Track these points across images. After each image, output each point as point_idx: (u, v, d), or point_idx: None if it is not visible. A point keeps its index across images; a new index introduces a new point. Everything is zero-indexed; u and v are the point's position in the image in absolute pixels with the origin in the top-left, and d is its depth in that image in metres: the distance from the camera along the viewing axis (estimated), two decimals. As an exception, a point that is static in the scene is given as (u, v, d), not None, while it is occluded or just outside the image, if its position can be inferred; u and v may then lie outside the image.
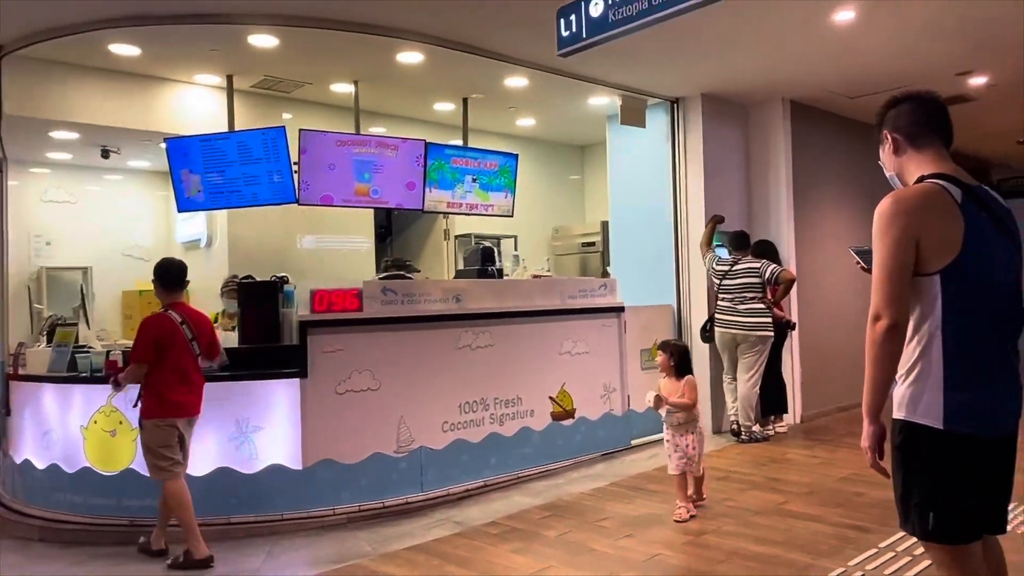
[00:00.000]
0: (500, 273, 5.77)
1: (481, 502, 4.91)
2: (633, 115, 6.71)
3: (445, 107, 6.96)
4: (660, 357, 4.62)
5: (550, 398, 5.76)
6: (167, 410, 3.97)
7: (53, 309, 6.37)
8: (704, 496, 4.57)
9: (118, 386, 4.07)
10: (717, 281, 6.42)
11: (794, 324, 6.72)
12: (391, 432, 4.87)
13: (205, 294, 6.37)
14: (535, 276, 5.88)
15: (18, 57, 5.16)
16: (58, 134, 5.80)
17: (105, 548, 4.23)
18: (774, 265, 6.30)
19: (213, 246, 6.66)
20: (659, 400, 4.40)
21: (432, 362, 5.08)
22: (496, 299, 5.47)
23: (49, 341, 5.35)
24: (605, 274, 7.70)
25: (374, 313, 4.85)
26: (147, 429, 3.96)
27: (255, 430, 4.55)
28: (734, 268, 6.34)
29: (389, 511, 4.71)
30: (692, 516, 4.29)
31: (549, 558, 3.71)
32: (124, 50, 5.21)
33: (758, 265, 6.28)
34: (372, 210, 7.09)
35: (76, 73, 5.50)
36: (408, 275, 5.17)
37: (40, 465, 4.86)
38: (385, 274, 5.41)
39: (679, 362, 4.54)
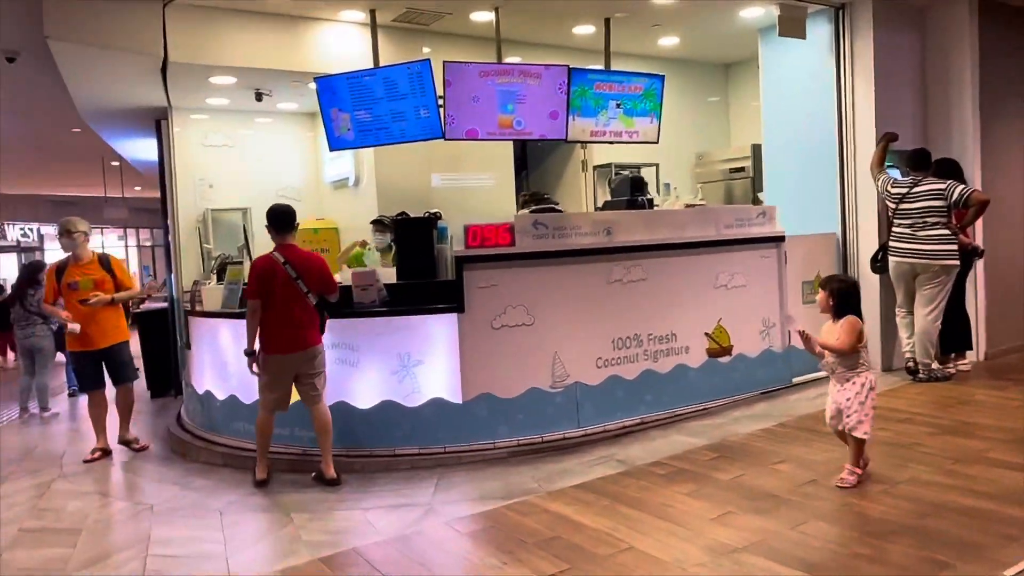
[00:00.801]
0: (651, 203, 5.49)
1: (640, 440, 4.80)
2: (792, 25, 6.08)
3: (584, 30, 6.60)
4: (820, 295, 3.96)
5: (706, 334, 5.50)
6: (268, 346, 4.31)
7: (220, 248, 6.76)
8: (862, 466, 3.70)
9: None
10: (892, 205, 5.82)
11: (982, 251, 6.01)
12: (546, 367, 4.82)
13: (355, 231, 6.54)
14: (688, 206, 5.55)
15: (179, 6, 5.32)
16: (217, 79, 6.00)
17: (282, 475, 4.49)
18: (963, 185, 5.61)
19: (360, 185, 6.78)
20: (807, 338, 3.82)
21: (584, 297, 4.95)
22: (647, 231, 5.22)
23: (219, 279, 5.67)
24: (756, 201, 7.21)
25: (526, 248, 4.75)
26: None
27: (416, 364, 4.63)
28: (913, 190, 5.71)
29: (548, 446, 4.70)
30: (854, 484, 3.62)
31: (727, 503, 3.55)
32: (276, -11, 5.26)
33: (943, 186, 5.61)
34: (511, 144, 6.95)
35: (232, 18, 5.62)
36: (557, 208, 5.00)
37: (220, 396, 5.21)
38: (526, 208, 5.26)
39: (839, 302, 3.78)
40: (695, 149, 8.04)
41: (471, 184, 6.61)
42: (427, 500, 3.94)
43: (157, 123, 6.92)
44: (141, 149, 8.87)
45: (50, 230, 24.40)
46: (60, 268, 5.35)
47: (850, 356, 3.67)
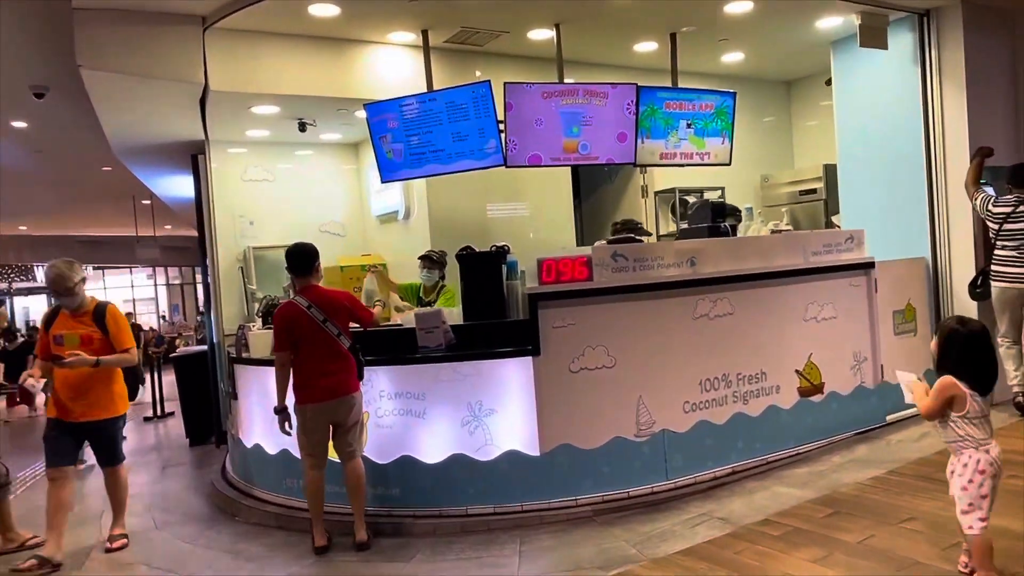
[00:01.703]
0: (733, 230, 5.04)
1: (737, 492, 4.29)
2: (873, 35, 5.66)
3: (646, 47, 6.23)
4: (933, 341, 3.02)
5: (796, 371, 5.00)
6: (300, 396, 4.03)
7: (264, 288, 6.40)
8: (972, 569, 2.81)
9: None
10: (995, 226, 5.31)
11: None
12: (630, 414, 4.35)
13: (404, 267, 6.16)
14: (775, 231, 5.08)
15: (219, 30, 5.02)
16: (259, 109, 5.69)
17: (343, 539, 4.03)
18: (1075, 203, 5.10)
19: (411, 218, 6.41)
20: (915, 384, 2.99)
21: (668, 335, 4.49)
22: (734, 260, 4.76)
23: (266, 322, 5.28)
24: (829, 225, 6.75)
25: (605, 282, 4.31)
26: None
27: (488, 413, 4.18)
28: (1019, 209, 5.20)
29: (635, 502, 4.21)
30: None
31: (865, 571, 3.03)
32: (324, 10, 4.92)
33: (1053, 204, 5.11)
34: (570, 171, 6.57)
35: (275, 42, 5.32)
36: (638, 238, 4.58)
37: (271, 450, 4.79)
38: (612, 238, 4.83)
39: (942, 351, 2.89)
40: (759, 171, 7.60)
41: (529, 215, 6.21)
42: (513, 572, 3.46)
43: (194, 158, 6.63)
44: (175, 186, 8.62)
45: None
46: (50, 317, 4.37)
47: (944, 425, 2.85)
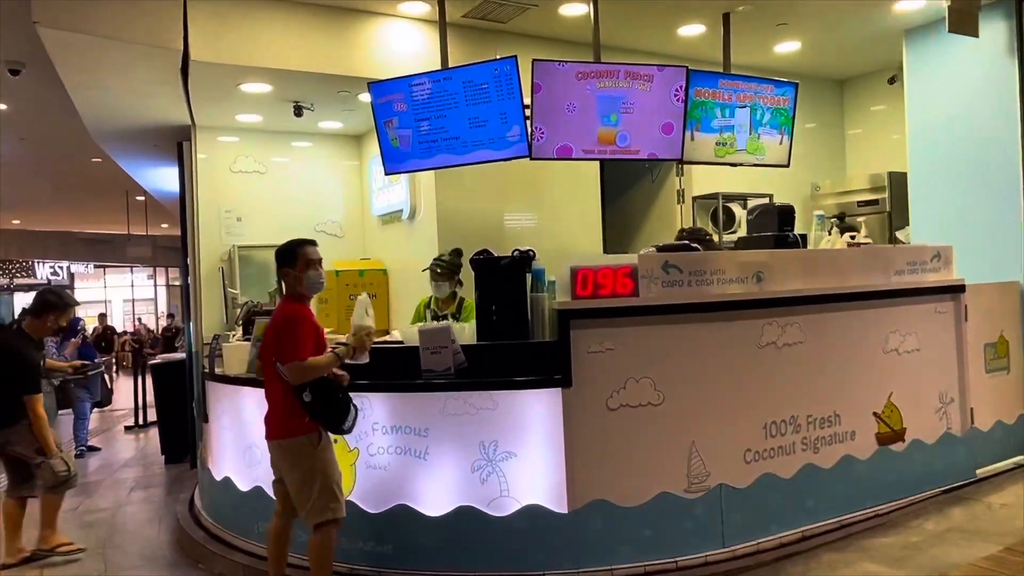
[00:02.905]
0: (803, 240, 4.22)
1: (814, 568, 3.45)
2: (964, 20, 4.84)
3: (693, 30, 5.45)
4: None
5: (875, 415, 4.16)
6: None
7: (247, 293, 5.62)
8: None
9: None
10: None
11: None
12: (680, 463, 3.52)
13: (408, 274, 5.37)
14: (851, 243, 4.26)
15: (203, -7, 4.28)
16: (249, 87, 4.92)
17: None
18: None
19: (417, 218, 5.62)
20: None
21: (729, 366, 3.67)
22: (806, 277, 3.93)
23: (246, 332, 4.51)
24: (894, 240, 5.91)
25: (653, 299, 3.50)
26: None
27: (505, 457, 3.36)
28: None
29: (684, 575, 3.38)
30: None
31: None
32: (322, -31, 4.18)
33: None
34: (597, 167, 5.77)
35: (268, 8, 4.58)
36: (694, 245, 3.77)
37: (243, 487, 3.99)
38: (662, 245, 4.01)
39: None
40: (807, 179, 6.77)
41: (551, 218, 5.41)
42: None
43: (179, 146, 5.88)
44: (164, 179, 7.89)
45: (80, 268, 23.88)
46: None
47: None
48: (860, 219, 5.51)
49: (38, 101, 6.43)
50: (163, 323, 22.11)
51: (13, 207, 13.69)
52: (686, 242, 3.79)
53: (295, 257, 3.13)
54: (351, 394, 3.15)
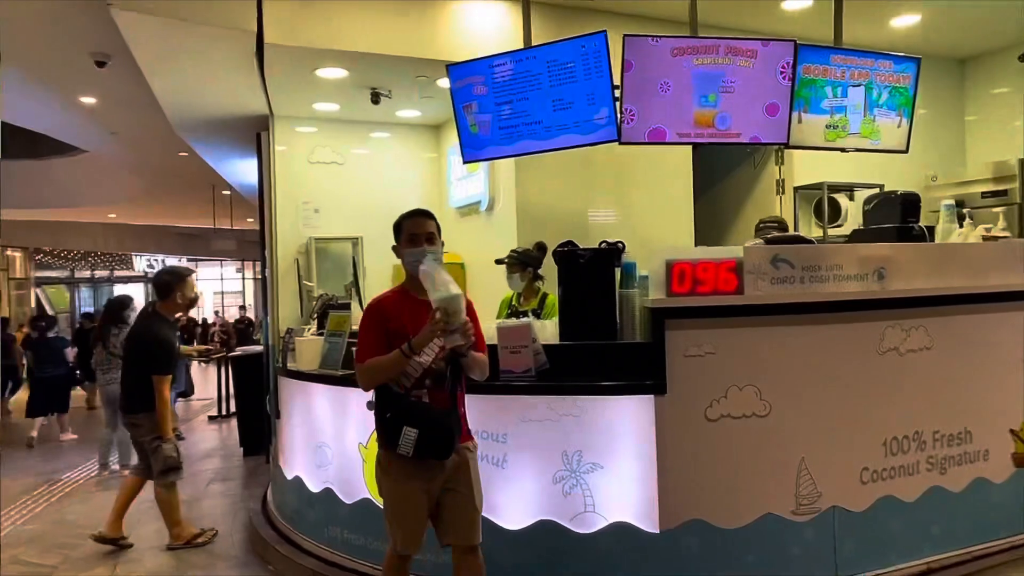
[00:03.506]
0: (930, 233, 3.74)
1: (944, 608, 3.01)
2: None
3: (799, 4, 4.99)
4: None
5: (1011, 432, 3.65)
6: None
7: (323, 286, 5.52)
8: None
9: None
10: None
11: None
12: (788, 482, 3.14)
13: (486, 268, 5.12)
14: (987, 237, 3.75)
15: (279, -25, 4.14)
16: (325, 72, 4.79)
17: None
18: None
19: (496, 209, 5.38)
20: None
21: (845, 374, 3.26)
22: (933, 275, 3.46)
23: (320, 326, 4.38)
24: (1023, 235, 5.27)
25: (760, 297, 3.12)
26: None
27: (590, 469, 3.07)
28: None
29: (793, 609, 3.00)
30: None
31: None
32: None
33: None
34: (691, 154, 5.38)
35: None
36: (808, 238, 3.36)
37: (313, 487, 3.85)
38: (770, 237, 3.63)
39: None
40: (921, 167, 6.15)
41: (639, 210, 5.06)
42: None
43: (258, 137, 5.83)
44: (245, 172, 7.95)
45: (173, 261, 24.94)
46: None
47: None
48: (997, 210, 4.91)
49: (125, 94, 6.54)
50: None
51: (109, 201, 14.29)
52: (798, 234, 3.38)
53: (398, 230, 2.70)
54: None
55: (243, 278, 26.67)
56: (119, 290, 24.03)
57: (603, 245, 3.39)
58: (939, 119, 6.47)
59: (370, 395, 2.66)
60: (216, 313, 23.72)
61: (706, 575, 3.04)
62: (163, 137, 7.78)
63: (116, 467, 6.48)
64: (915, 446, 3.38)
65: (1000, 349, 3.62)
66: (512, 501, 3.16)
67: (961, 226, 3.76)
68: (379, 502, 3.42)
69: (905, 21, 5.43)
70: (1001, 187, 5.60)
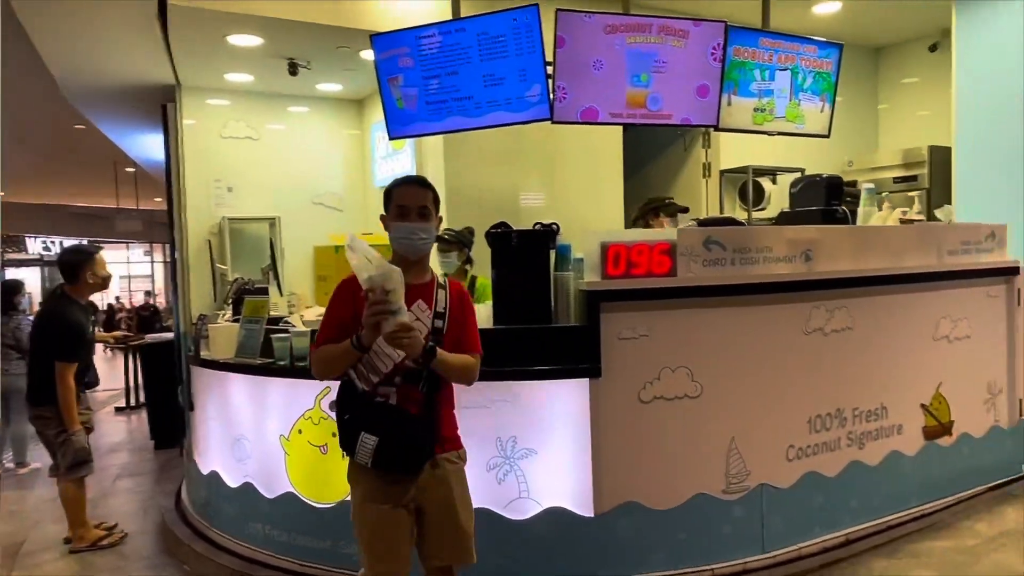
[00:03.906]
0: (852, 216, 3.84)
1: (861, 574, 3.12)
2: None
3: (726, -14, 5.01)
4: None
5: (922, 406, 3.82)
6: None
7: (238, 270, 5.23)
8: None
9: None
10: None
11: None
12: (719, 462, 3.17)
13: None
14: (904, 220, 3.88)
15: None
16: (238, 39, 4.46)
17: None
18: None
19: (423, 188, 5.21)
20: None
21: (773, 354, 3.31)
22: (856, 257, 3.56)
23: (236, 312, 4.13)
24: (932, 219, 5.52)
25: (693, 279, 3.12)
26: None
27: (525, 455, 3.01)
28: None
29: (723, 586, 3.04)
30: None
31: None
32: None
33: None
34: (620, 135, 5.36)
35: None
36: (738, 220, 3.38)
37: (231, 482, 3.63)
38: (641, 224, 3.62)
39: None
40: (839, 153, 6.36)
41: (569, 191, 5.01)
42: None
43: (163, 108, 5.44)
44: (151, 147, 7.43)
45: (73, 244, 23.40)
46: None
47: None
48: (912, 194, 5.11)
49: (10, 58, 5.96)
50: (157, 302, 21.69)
51: (-4, 178, 13.20)
52: (729, 216, 3.40)
53: (387, 199, 2.30)
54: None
55: (151, 261, 25.33)
56: (11, 274, 22.39)
57: (537, 227, 3.30)
58: (854, 106, 6.69)
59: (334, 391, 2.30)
60: (117, 299, 22.43)
61: (639, 557, 3.03)
62: (55, 107, 7.18)
63: (11, 465, 5.99)
64: (836, 423, 3.48)
65: (913, 328, 3.77)
66: (444, 490, 3.06)
67: (880, 209, 3.87)
68: (303, 495, 3.30)
69: (826, 8, 5.56)
70: (911, 172, 5.85)
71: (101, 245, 4.38)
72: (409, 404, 2.17)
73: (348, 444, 2.16)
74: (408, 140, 5.06)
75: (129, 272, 24.98)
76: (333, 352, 2.17)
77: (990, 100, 5.08)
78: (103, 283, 4.20)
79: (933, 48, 5.98)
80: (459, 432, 2.38)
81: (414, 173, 5.30)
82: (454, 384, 2.33)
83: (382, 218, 2.32)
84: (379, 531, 2.19)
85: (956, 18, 5.20)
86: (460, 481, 2.30)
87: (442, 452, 2.26)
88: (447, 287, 2.32)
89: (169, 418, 6.06)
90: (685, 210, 4.49)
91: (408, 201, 2.24)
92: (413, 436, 2.15)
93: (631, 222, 4.64)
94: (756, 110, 4.28)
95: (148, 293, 18.06)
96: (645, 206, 4.45)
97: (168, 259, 24.08)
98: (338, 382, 2.26)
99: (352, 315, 2.15)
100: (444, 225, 4.44)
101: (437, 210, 2.32)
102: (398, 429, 2.13)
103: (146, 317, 13.01)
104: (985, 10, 5.01)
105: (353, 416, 2.17)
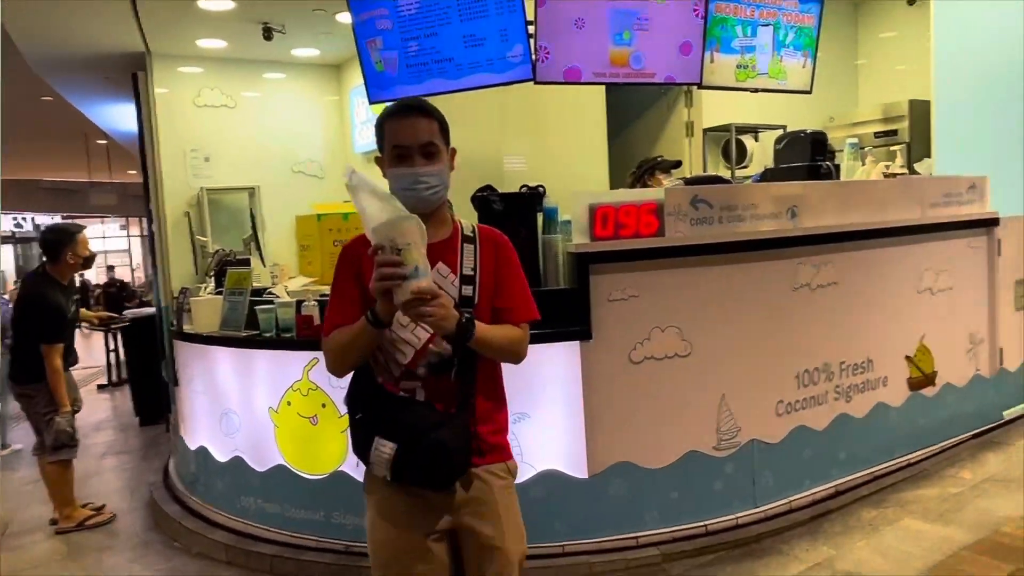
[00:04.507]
0: (836, 171, 3.83)
1: (851, 525, 3.18)
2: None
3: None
4: None
5: (907, 358, 3.87)
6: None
7: (219, 241, 5.14)
8: None
9: None
10: None
11: None
12: (710, 419, 3.19)
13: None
14: (887, 174, 3.88)
15: None
16: (209, 3, 4.30)
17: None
18: None
19: (404, 154, 5.12)
20: None
21: (761, 311, 3.32)
22: (841, 212, 3.56)
23: (218, 284, 4.07)
24: (913, 173, 5.55)
25: (681, 238, 3.11)
26: None
27: (518, 419, 3.00)
28: None
29: (717, 541, 3.10)
30: None
31: None
32: None
33: None
34: (604, 94, 5.27)
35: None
36: (724, 178, 3.37)
37: (221, 457, 3.61)
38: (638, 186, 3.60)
39: None
40: (820, 109, 6.32)
41: (555, 153, 4.94)
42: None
43: (134, 77, 5.28)
44: (122, 118, 7.23)
45: (46, 219, 22.90)
46: None
47: None
48: (894, 148, 5.11)
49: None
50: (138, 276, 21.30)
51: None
52: (715, 174, 3.37)
53: (379, 136, 1.77)
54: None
55: (128, 235, 24.91)
56: (-17, 251, 21.90)
57: (523, 190, 3.27)
58: (833, 62, 6.63)
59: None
60: (82, 275, 21.98)
61: (633, 516, 3.07)
62: (20, 78, 6.94)
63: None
64: (824, 377, 3.51)
65: (897, 281, 3.80)
66: (438, 456, 3.06)
67: (864, 164, 3.87)
68: (294, 467, 3.29)
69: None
70: (891, 127, 5.84)
71: (83, 225, 4.27)
72: (439, 399, 1.69)
73: (361, 449, 1.69)
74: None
75: (105, 247, 24.57)
76: (347, 337, 1.66)
77: (968, 53, 5.06)
78: (85, 263, 4.13)
79: (911, 2, 5.93)
80: (509, 437, 1.88)
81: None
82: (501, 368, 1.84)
83: (378, 160, 1.79)
84: (395, 563, 1.71)
85: (938, -33, 5.15)
86: (508, 503, 1.79)
87: (483, 463, 1.74)
88: (476, 238, 1.77)
89: (153, 394, 6.01)
90: (679, 164, 4.47)
91: (406, 139, 1.68)
92: (441, 442, 1.62)
93: (629, 187, 4.61)
94: (739, 67, 4.24)
95: (110, 268, 17.51)
96: (639, 169, 4.42)
97: (145, 233, 23.75)
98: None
99: (360, 290, 1.70)
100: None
101: (447, 141, 1.76)
102: (421, 433, 1.62)
103: (112, 294, 12.59)
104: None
105: (367, 416, 1.69)
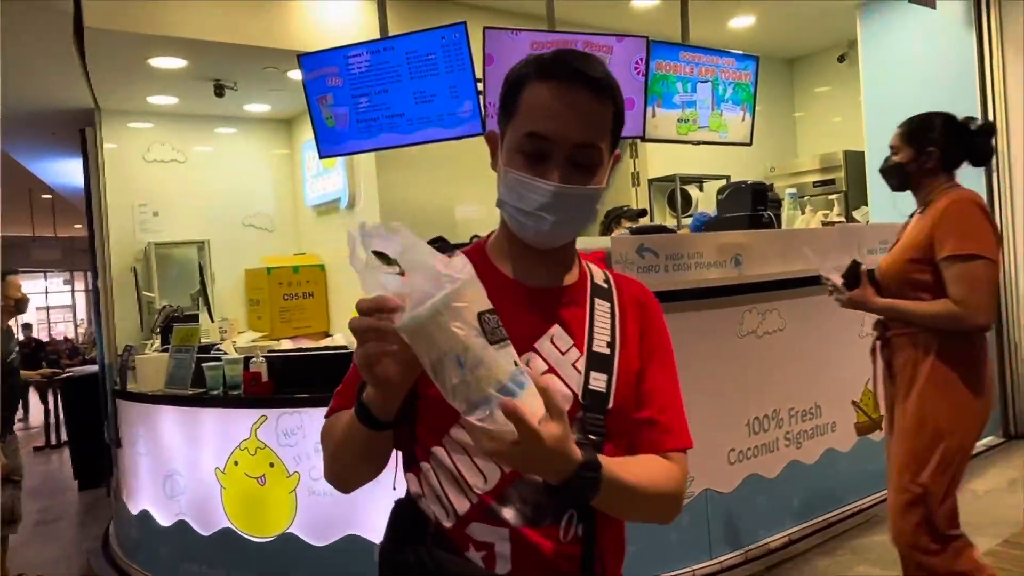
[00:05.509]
0: (777, 221, 3.97)
1: (807, 574, 3.19)
2: (923, -9, 4.70)
3: (647, 2, 5.14)
4: None
5: (853, 403, 3.96)
6: None
7: (167, 297, 5.03)
8: None
9: None
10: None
11: None
12: (663, 469, 3.19)
13: (348, 270, 4.88)
14: (826, 222, 4.03)
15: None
16: (160, 61, 4.32)
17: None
18: None
19: (356, 207, 5.14)
20: None
21: (709, 358, 3.37)
22: (784, 260, 3.67)
23: (164, 342, 3.98)
24: (850, 220, 5.78)
25: (629, 288, 3.15)
26: None
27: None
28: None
29: (673, 593, 3.07)
30: None
31: None
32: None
33: None
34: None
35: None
36: (669, 228, 3.45)
37: (164, 521, 3.47)
38: (635, 228, 3.69)
39: None
40: (761, 160, 6.58)
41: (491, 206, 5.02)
42: None
43: (82, 133, 5.21)
44: (69, 173, 7.11)
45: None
46: None
47: None
48: (832, 198, 5.32)
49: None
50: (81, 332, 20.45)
51: None
52: (661, 224, 3.46)
53: (506, 112, 1.09)
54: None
55: (72, 290, 24.18)
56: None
57: (474, 239, 3.29)
58: (772, 115, 6.95)
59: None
60: (25, 328, 20.99)
61: (590, 569, 3.03)
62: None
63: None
64: (774, 424, 3.57)
65: (840, 327, 3.89)
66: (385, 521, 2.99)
67: (803, 213, 4.01)
68: (240, 530, 3.18)
69: (742, 22, 5.77)
70: (829, 176, 6.10)
71: (16, 269, 4.13)
72: (545, 557, 1.01)
73: None
74: (339, 158, 4.99)
75: (47, 303, 23.77)
76: (338, 429, 1.04)
77: (895, 105, 5.28)
78: (18, 306, 3.98)
79: (841, 59, 6.28)
80: None
81: (346, 190, 5.23)
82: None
83: (490, 138, 1.14)
84: None
85: (861, 30, 5.47)
86: None
87: None
88: (613, 291, 1.15)
89: (94, 456, 5.77)
90: (644, 212, 4.57)
91: (557, 129, 1.03)
92: None
93: (600, 235, 4.69)
94: (680, 121, 4.39)
95: (26, 326, 16.23)
96: (607, 218, 4.51)
97: (90, 288, 23.06)
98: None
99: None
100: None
101: (616, 141, 1.13)
102: None
103: (28, 354, 11.69)
104: (887, 21, 5.27)
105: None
